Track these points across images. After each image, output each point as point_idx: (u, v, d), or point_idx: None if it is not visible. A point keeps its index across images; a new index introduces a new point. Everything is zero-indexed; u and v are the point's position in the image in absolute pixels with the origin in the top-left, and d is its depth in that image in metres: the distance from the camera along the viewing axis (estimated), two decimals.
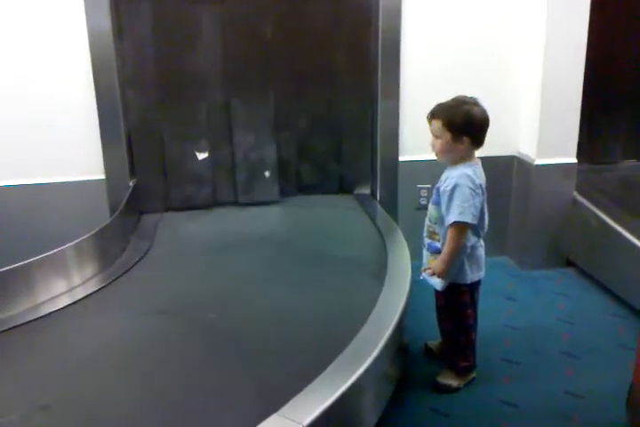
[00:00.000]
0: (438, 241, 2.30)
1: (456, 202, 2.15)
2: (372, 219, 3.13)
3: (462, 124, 2.13)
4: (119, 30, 3.08)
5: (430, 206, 2.34)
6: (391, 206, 3.38)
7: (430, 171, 3.41)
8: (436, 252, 2.29)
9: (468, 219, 2.15)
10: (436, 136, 2.20)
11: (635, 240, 2.95)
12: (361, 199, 3.47)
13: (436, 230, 2.30)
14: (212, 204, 3.42)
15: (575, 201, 3.37)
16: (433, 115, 2.20)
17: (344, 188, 3.58)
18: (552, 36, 3.16)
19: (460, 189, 2.15)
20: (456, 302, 2.34)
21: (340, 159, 3.54)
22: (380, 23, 3.20)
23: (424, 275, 2.32)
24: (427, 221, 2.36)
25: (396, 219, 3.21)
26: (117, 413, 1.62)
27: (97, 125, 3.08)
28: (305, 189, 3.55)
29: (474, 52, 3.32)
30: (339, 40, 3.33)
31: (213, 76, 3.27)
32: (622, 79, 3.73)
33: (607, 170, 3.78)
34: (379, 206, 3.36)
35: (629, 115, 3.83)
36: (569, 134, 3.32)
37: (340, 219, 3.23)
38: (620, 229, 3.06)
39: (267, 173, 3.43)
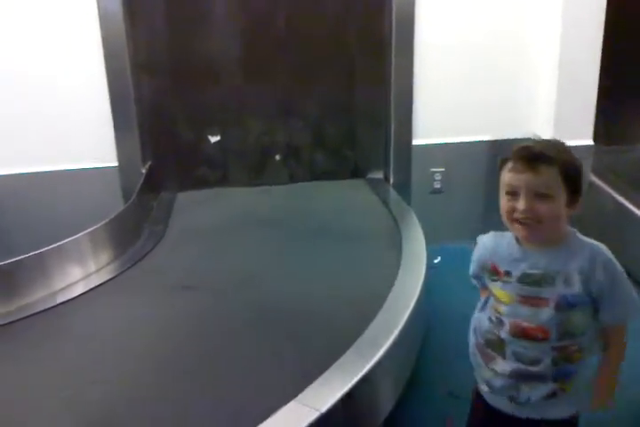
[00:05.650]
0: (576, 361, 1.46)
1: (627, 288, 1.44)
2: (385, 203, 3.11)
3: (580, 178, 1.39)
4: (131, 14, 3.06)
5: (557, 314, 1.41)
6: (405, 191, 3.36)
7: (444, 154, 3.42)
8: (566, 376, 1.46)
9: None
10: (541, 194, 1.33)
11: None
12: (373, 184, 3.45)
13: (582, 344, 1.45)
14: (224, 186, 3.43)
15: (591, 183, 3.32)
16: (540, 158, 1.32)
17: (357, 172, 3.56)
18: (569, 15, 3.11)
19: (619, 268, 1.43)
20: None
21: (354, 144, 3.51)
22: (394, 5, 3.15)
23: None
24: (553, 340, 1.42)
25: (409, 203, 3.19)
26: (137, 396, 1.64)
27: (109, 112, 3.07)
28: (318, 173, 3.52)
29: (489, 33, 3.27)
30: (352, 24, 3.29)
31: (226, 60, 3.26)
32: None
33: (624, 151, 3.73)
34: (392, 190, 3.34)
35: None
36: (585, 116, 3.28)
37: (352, 203, 3.21)
38: (636, 211, 3.03)
39: (277, 157, 3.44)
